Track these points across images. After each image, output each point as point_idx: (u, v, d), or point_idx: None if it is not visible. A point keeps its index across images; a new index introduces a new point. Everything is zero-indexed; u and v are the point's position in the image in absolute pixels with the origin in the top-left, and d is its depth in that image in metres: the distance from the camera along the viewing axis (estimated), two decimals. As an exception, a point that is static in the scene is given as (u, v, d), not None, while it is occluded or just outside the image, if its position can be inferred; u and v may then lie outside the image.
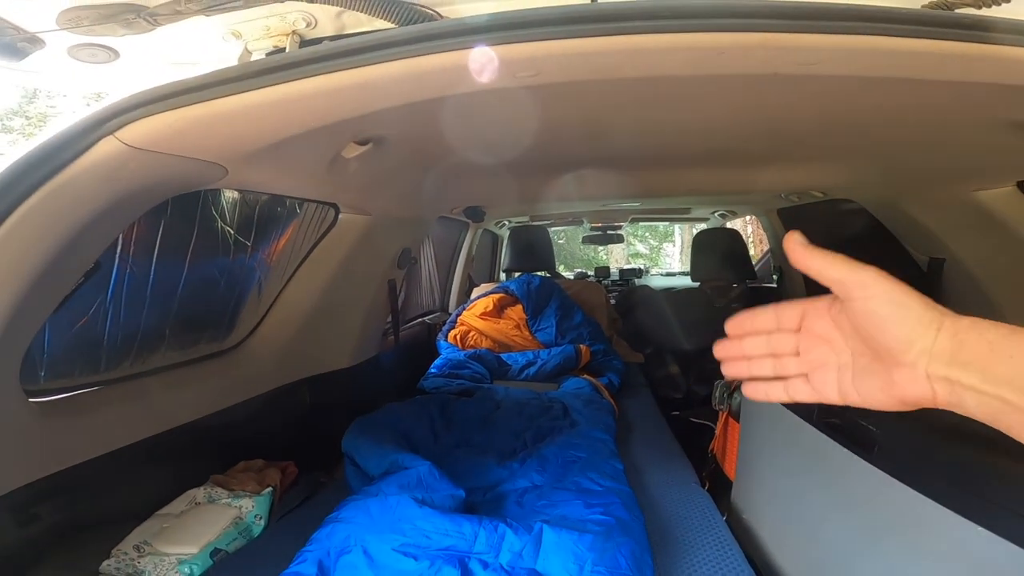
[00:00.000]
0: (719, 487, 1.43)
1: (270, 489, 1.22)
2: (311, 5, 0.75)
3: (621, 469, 1.28)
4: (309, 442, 1.54)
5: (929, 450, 0.80)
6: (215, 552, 1.03)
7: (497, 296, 2.52)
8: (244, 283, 1.42)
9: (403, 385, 2.06)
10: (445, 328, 2.47)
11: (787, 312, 0.46)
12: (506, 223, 3.64)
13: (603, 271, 4.73)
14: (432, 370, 2.11)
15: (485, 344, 2.41)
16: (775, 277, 2.99)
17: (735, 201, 3.03)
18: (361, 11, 0.73)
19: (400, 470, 1.12)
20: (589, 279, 4.18)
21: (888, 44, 0.58)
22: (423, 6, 0.74)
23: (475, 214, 2.49)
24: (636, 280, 4.38)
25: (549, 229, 3.68)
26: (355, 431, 1.32)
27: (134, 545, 1.01)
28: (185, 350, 1.33)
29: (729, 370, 0.50)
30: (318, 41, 0.81)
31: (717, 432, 1.53)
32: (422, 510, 0.96)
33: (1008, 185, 1.35)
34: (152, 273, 1.13)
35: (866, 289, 0.39)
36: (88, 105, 0.67)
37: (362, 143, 1.03)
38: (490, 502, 1.19)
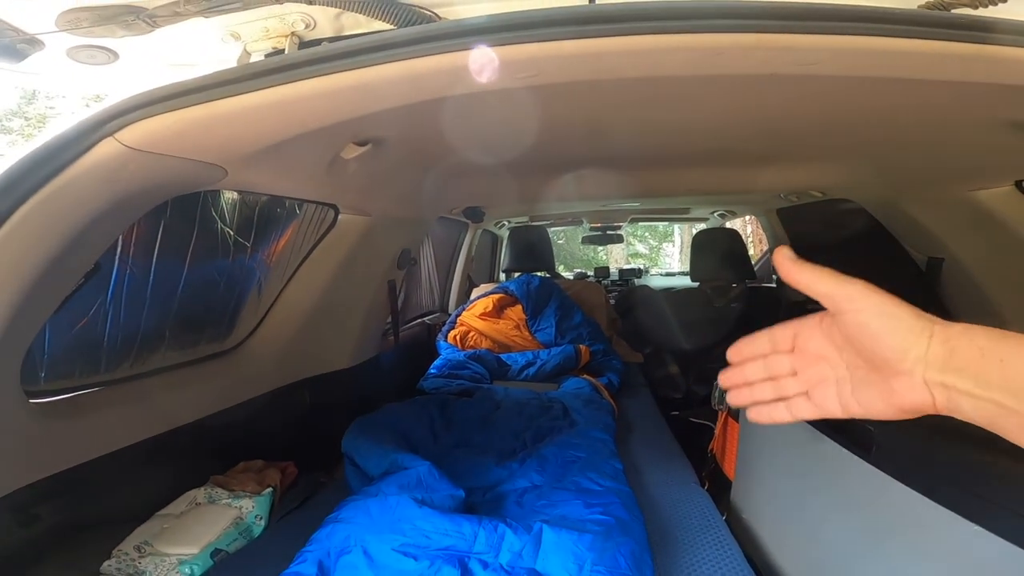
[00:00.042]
0: (718, 487, 1.44)
1: (270, 489, 1.22)
2: (310, 7, 0.76)
3: (621, 469, 1.28)
4: (309, 442, 1.54)
5: (928, 450, 0.80)
6: (215, 552, 1.03)
7: (497, 296, 2.52)
8: (244, 284, 1.43)
9: (403, 385, 2.06)
10: (445, 328, 2.47)
11: (780, 334, 0.47)
12: (505, 223, 3.64)
13: (603, 271, 4.73)
14: (432, 370, 2.11)
15: (485, 344, 2.41)
16: (775, 277, 2.99)
17: (734, 201, 3.03)
18: (360, 13, 0.73)
19: (400, 470, 1.12)
20: (589, 279, 4.18)
21: (885, 44, 0.58)
22: (422, 7, 0.74)
23: (474, 214, 2.49)
24: (636, 280, 4.38)
25: (548, 229, 3.68)
26: (355, 431, 1.32)
27: (135, 545, 1.01)
28: (185, 351, 1.33)
29: (734, 399, 0.51)
30: (317, 42, 0.81)
31: (716, 432, 1.53)
32: (422, 510, 0.96)
33: (1006, 185, 1.35)
34: (152, 274, 1.13)
35: (855, 302, 0.40)
36: (87, 106, 0.67)
37: (361, 144, 1.03)
38: (490, 502, 1.19)
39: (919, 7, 0.66)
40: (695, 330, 2.59)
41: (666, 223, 9.73)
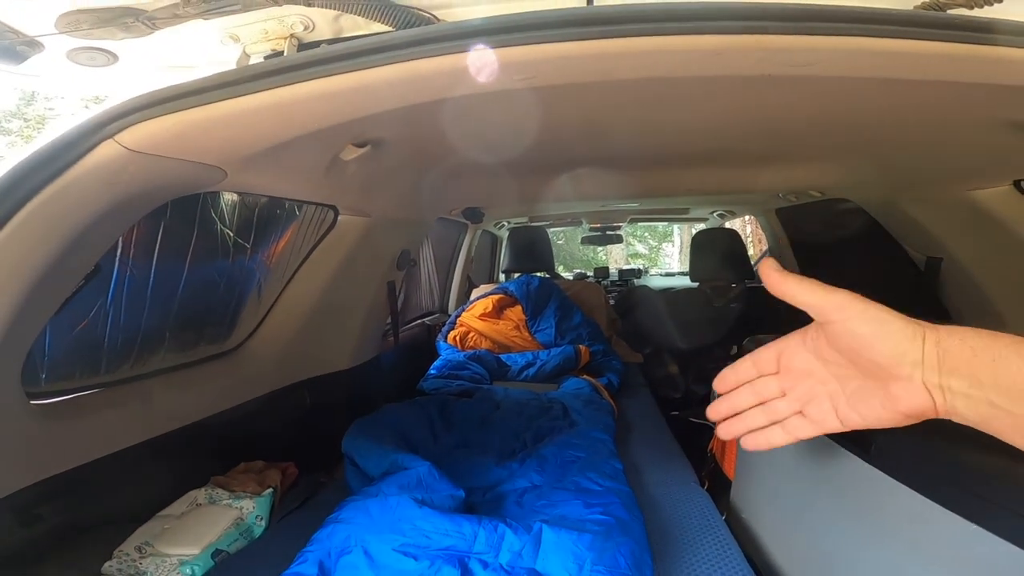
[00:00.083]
0: (718, 487, 1.44)
1: (271, 490, 1.23)
2: (309, 9, 0.76)
3: (620, 469, 1.29)
4: (309, 443, 1.55)
5: (928, 450, 0.80)
6: (216, 553, 1.03)
7: (496, 297, 2.52)
8: (244, 285, 1.43)
9: (403, 386, 2.06)
10: (444, 329, 2.47)
11: (763, 357, 0.47)
12: (505, 224, 3.64)
13: (602, 271, 4.74)
14: (432, 371, 2.11)
15: (484, 345, 2.41)
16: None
17: (733, 201, 3.03)
18: (358, 15, 0.74)
19: (400, 470, 1.12)
20: (588, 280, 4.18)
21: (882, 45, 0.59)
22: (420, 9, 0.75)
23: (474, 215, 2.49)
24: (635, 280, 4.38)
25: (548, 230, 3.69)
26: (355, 432, 1.32)
27: (136, 546, 1.01)
28: (185, 352, 1.33)
29: (725, 432, 0.50)
30: (316, 44, 0.81)
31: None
32: (422, 510, 0.96)
33: (1005, 184, 1.36)
34: (152, 275, 1.13)
35: (843, 311, 0.40)
36: (87, 108, 0.67)
37: (360, 145, 1.03)
38: (490, 502, 1.19)
39: (915, 8, 0.66)
40: (694, 330, 2.59)
41: (665, 223, 9.74)
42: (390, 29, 0.73)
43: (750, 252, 3.70)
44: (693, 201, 3.11)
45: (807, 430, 0.46)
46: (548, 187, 1.87)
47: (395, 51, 0.60)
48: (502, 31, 0.58)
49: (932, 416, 0.38)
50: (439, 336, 2.45)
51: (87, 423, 1.00)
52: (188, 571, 0.97)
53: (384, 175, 1.29)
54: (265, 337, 1.54)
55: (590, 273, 4.70)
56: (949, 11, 0.65)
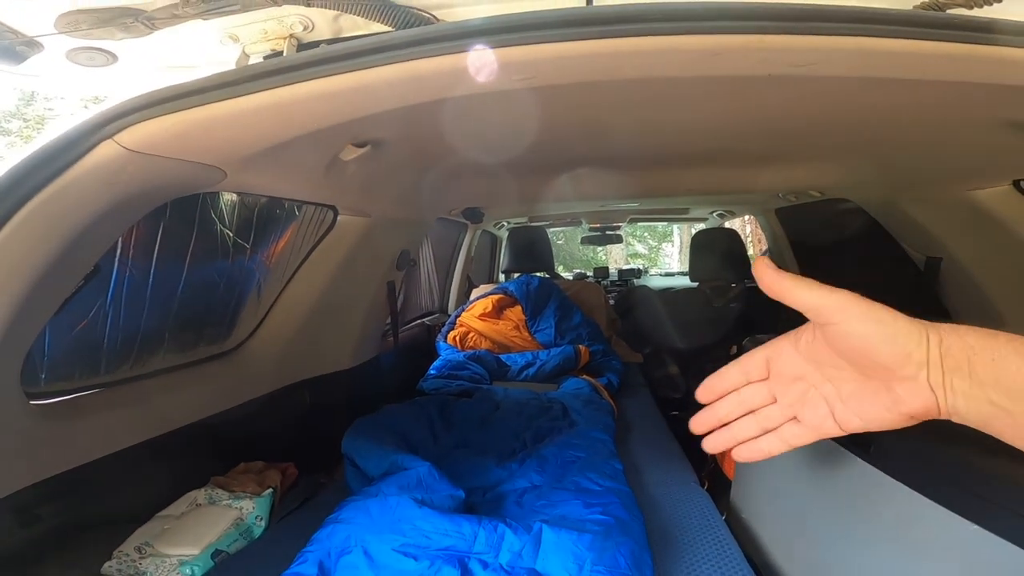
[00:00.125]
0: (718, 487, 1.44)
1: (270, 490, 1.23)
2: (308, 9, 0.76)
3: (620, 469, 1.29)
4: (309, 443, 1.55)
5: (928, 450, 0.80)
6: (216, 553, 1.03)
7: (496, 297, 2.52)
8: (243, 285, 1.43)
9: (402, 386, 2.06)
10: (444, 329, 2.47)
11: (752, 362, 0.45)
12: (505, 224, 3.64)
13: (602, 271, 4.74)
14: (431, 371, 2.11)
15: (484, 345, 2.41)
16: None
17: (733, 201, 3.03)
18: (358, 15, 0.74)
19: (400, 471, 1.12)
20: (588, 280, 4.18)
21: (881, 45, 0.59)
22: (420, 9, 0.75)
23: (474, 215, 2.49)
24: (635, 280, 4.39)
25: (548, 230, 3.69)
26: (355, 432, 1.32)
27: (135, 546, 1.01)
28: (185, 352, 1.33)
29: (711, 445, 0.47)
30: (315, 44, 0.81)
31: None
32: (422, 510, 0.96)
33: (1004, 184, 1.36)
34: (152, 276, 1.13)
35: (845, 312, 0.38)
36: (86, 108, 0.67)
37: (360, 145, 1.03)
38: (489, 502, 1.19)
39: (914, 8, 0.66)
40: (694, 330, 2.59)
41: (665, 223, 9.74)
42: (390, 29, 0.73)
43: (750, 252, 3.70)
44: (693, 201, 3.11)
45: (803, 437, 0.43)
46: (548, 187, 1.87)
47: (395, 51, 0.60)
48: (502, 31, 0.58)
49: (934, 417, 0.37)
50: (439, 336, 2.44)
51: (87, 423, 1.00)
52: (188, 571, 0.97)
53: (384, 175, 1.29)
54: (265, 337, 1.54)
55: (590, 273, 4.70)
56: (949, 11, 0.65)
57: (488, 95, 0.74)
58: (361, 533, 0.93)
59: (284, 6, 0.73)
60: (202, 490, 1.19)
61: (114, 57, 0.86)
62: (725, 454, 1.46)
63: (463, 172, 1.53)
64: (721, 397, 0.46)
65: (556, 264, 3.99)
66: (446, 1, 0.76)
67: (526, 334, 2.46)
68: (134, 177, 0.75)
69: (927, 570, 0.75)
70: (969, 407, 0.35)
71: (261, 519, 1.15)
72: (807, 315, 0.40)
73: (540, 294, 2.49)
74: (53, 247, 0.73)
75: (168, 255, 1.14)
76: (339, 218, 1.50)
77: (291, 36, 0.80)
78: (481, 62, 0.61)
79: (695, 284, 2.95)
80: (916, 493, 0.77)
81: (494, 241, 4.07)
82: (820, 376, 0.41)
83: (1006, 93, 0.72)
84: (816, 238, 2.43)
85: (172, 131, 0.69)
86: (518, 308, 2.49)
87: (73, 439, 0.96)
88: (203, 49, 0.85)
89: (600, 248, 11.56)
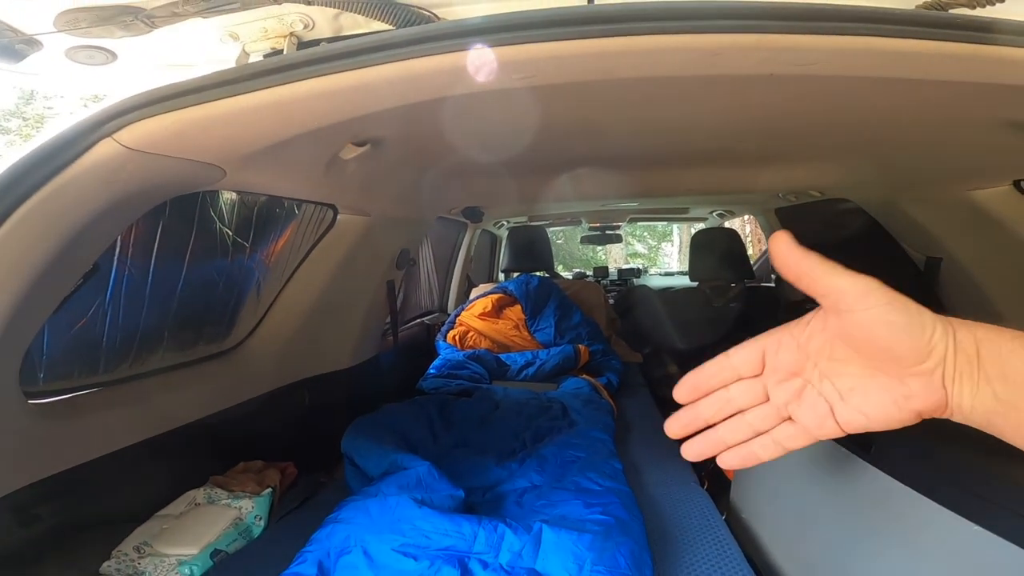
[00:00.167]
0: (718, 486, 1.44)
1: (270, 490, 1.22)
2: (308, 7, 0.76)
3: (620, 469, 1.28)
4: (308, 443, 1.54)
5: (928, 450, 0.80)
6: (215, 553, 1.03)
7: (496, 296, 2.52)
8: (243, 284, 1.42)
9: (402, 386, 2.06)
10: (444, 328, 2.47)
11: (744, 356, 0.40)
12: (504, 223, 3.64)
13: (601, 271, 4.73)
14: (431, 371, 2.11)
15: (484, 344, 2.41)
16: (773, 276, 3.00)
17: (733, 201, 3.03)
18: (358, 13, 0.73)
19: (399, 470, 1.12)
20: (587, 279, 4.18)
21: (883, 44, 0.58)
22: (420, 8, 0.74)
23: (473, 214, 2.49)
24: (635, 280, 4.38)
25: (547, 229, 3.69)
26: (354, 432, 1.32)
27: (134, 546, 1.01)
28: (184, 351, 1.33)
29: (692, 451, 0.41)
30: (316, 43, 0.81)
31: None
32: (421, 510, 0.96)
33: (1005, 184, 1.36)
34: (151, 274, 1.13)
35: (869, 298, 0.35)
36: (86, 107, 0.67)
37: (360, 144, 1.03)
38: (489, 502, 1.19)
39: (916, 7, 0.66)
40: (694, 330, 2.59)
41: (665, 223, 9.74)
42: (390, 27, 0.73)
43: (749, 252, 3.70)
44: (692, 201, 3.11)
45: (800, 439, 0.40)
46: (548, 186, 1.87)
47: (395, 49, 0.60)
48: (502, 30, 0.58)
49: (941, 415, 0.35)
50: (438, 335, 2.44)
51: (85, 423, 1.00)
52: (187, 571, 0.97)
53: (384, 174, 1.29)
54: (264, 336, 1.54)
55: (589, 272, 4.70)
56: (951, 11, 0.65)
57: (488, 94, 0.74)
58: (361, 533, 0.93)
59: (284, 4, 0.72)
60: (201, 489, 1.19)
61: (113, 55, 0.86)
62: (725, 454, 1.46)
63: (463, 171, 1.53)
64: (705, 396, 0.41)
65: (556, 263, 3.99)
66: (446, -1, 0.76)
67: (526, 333, 2.46)
68: (133, 175, 0.75)
69: (927, 570, 0.75)
70: (974, 403, 0.34)
71: (260, 519, 1.15)
72: (823, 301, 0.37)
73: (540, 293, 2.49)
74: (52, 245, 0.73)
75: (167, 254, 1.14)
76: (339, 217, 1.50)
77: (291, 34, 0.80)
78: (481, 61, 0.60)
79: (695, 284, 2.95)
80: (917, 493, 0.77)
81: (494, 240, 4.07)
82: (817, 372, 0.38)
83: (1007, 93, 0.72)
84: (816, 238, 2.42)
85: (171, 129, 0.69)
86: (518, 307, 2.49)
87: (72, 438, 0.96)
88: (203, 47, 0.85)
89: (600, 248, 11.55)
